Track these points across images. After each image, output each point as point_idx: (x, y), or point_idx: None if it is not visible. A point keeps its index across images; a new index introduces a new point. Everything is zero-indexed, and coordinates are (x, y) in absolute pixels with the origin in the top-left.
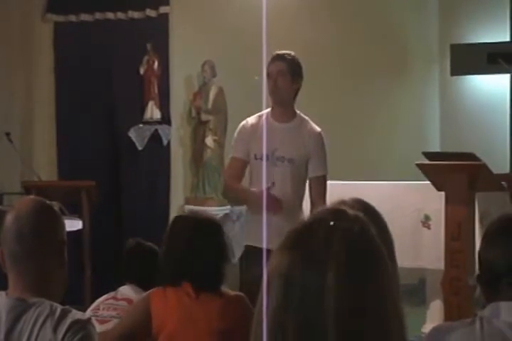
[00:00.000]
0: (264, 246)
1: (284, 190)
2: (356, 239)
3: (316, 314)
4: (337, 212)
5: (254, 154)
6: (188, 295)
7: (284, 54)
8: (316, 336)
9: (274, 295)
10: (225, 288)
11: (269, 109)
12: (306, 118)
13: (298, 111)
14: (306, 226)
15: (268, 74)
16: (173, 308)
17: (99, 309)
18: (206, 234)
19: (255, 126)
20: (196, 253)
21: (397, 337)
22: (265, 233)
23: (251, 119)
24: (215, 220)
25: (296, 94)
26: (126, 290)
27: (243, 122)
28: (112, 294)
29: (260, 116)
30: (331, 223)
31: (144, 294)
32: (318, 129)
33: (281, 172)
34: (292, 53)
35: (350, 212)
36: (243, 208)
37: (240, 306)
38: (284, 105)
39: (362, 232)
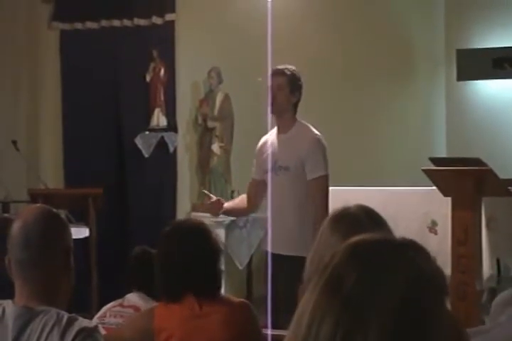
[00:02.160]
0: (269, 249)
1: (288, 198)
2: (426, 283)
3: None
4: (418, 250)
5: (263, 170)
6: (191, 309)
7: (284, 69)
8: None
9: (318, 290)
10: (228, 295)
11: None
12: (307, 125)
13: (299, 120)
14: (387, 250)
15: (269, 88)
16: (175, 324)
17: (105, 316)
18: (196, 241)
19: (264, 144)
20: (190, 263)
21: None
22: (270, 237)
23: (263, 138)
24: (203, 225)
25: (296, 105)
26: (133, 298)
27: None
28: (118, 301)
29: (271, 134)
30: (411, 254)
31: (148, 308)
32: (313, 133)
33: (281, 181)
34: (292, 68)
35: (427, 253)
36: (250, 215)
37: (243, 314)
38: (281, 116)
39: (435, 274)
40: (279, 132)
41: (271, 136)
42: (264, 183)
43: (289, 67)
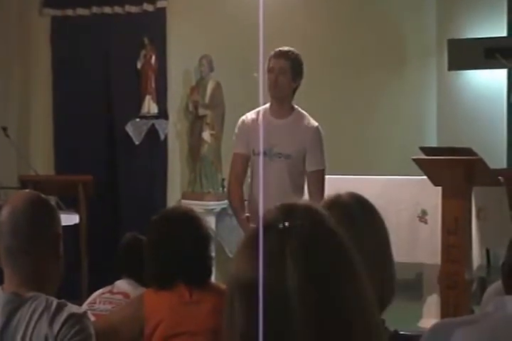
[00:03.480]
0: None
1: (283, 186)
2: (308, 235)
3: (281, 315)
4: (285, 209)
5: (253, 150)
6: (180, 296)
7: (287, 51)
8: (283, 336)
9: (237, 298)
10: (218, 283)
11: (267, 105)
12: (304, 113)
13: (296, 107)
14: (260, 228)
15: (270, 70)
16: (164, 311)
17: (95, 303)
18: (185, 229)
19: (254, 122)
20: (180, 250)
21: (362, 330)
22: (261, 230)
23: (250, 114)
24: (192, 213)
25: (294, 91)
26: (122, 284)
27: (243, 117)
28: (108, 288)
29: (259, 112)
30: (280, 225)
31: (138, 295)
32: (315, 124)
33: (279, 168)
34: (296, 51)
35: (301, 204)
36: None
37: None
38: (281, 100)
39: (313, 225)
40: (275, 116)
41: (259, 116)
42: (249, 158)
43: (292, 49)
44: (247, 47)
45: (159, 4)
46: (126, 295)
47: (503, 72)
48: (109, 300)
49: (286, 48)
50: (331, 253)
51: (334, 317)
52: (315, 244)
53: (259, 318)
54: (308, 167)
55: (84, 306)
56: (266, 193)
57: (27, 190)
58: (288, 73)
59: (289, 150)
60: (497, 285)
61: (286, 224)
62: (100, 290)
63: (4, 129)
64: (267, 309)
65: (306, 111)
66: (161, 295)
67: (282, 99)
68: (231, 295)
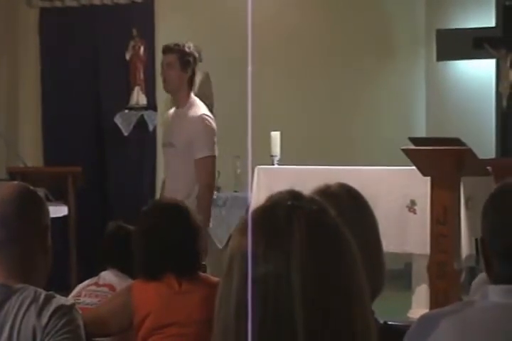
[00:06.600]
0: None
1: (175, 173)
2: (315, 217)
3: (281, 292)
4: (294, 193)
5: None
6: (169, 287)
7: (173, 45)
8: (282, 314)
9: (237, 275)
10: (207, 274)
11: None
12: (197, 103)
13: (193, 97)
14: (265, 207)
15: (161, 66)
16: (153, 301)
17: (80, 296)
18: (175, 220)
19: (167, 116)
20: (169, 241)
21: (360, 313)
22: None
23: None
24: (182, 204)
25: (190, 81)
26: (107, 276)
27: None
28: (94, 280)
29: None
30: (289, 202)
31: (126, 286)
32: (204, 114)
33: (169, 156)
34: (184, 44)
35: (307, 195)
36: (229, 194)
37: None
38: (173, 93)
39: (320, 210)
40: (175, 107)
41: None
42: None
43: (181, 43)
44: (235, 37)
45: None
46: (111, 287)
47: (491, 62)
48: (95, 293)
49: (172, 43)
50: (335, 237)
51: (334, 294)
52: (322, 225)
53: (253, 288)
54: (195, 154)
55: (70, 299)
56: (167, 183)
57: (15, 182)
58: (175, 66)
59: (175, 140)
60: (483, 274)
61: (295, 202)
62: (85, 282)
63: None
64: (269, 282)
65: (293, 99)
66: (149, 286)
67: (174, 91)
68: (230, 266)
